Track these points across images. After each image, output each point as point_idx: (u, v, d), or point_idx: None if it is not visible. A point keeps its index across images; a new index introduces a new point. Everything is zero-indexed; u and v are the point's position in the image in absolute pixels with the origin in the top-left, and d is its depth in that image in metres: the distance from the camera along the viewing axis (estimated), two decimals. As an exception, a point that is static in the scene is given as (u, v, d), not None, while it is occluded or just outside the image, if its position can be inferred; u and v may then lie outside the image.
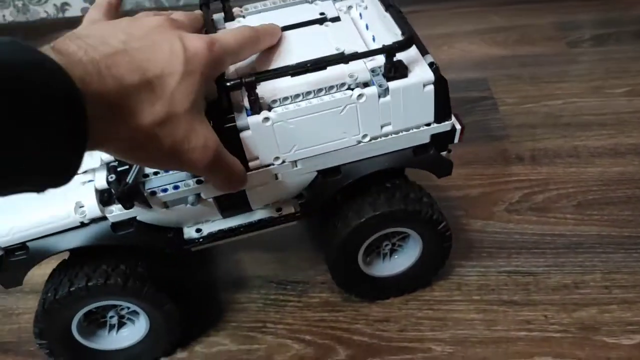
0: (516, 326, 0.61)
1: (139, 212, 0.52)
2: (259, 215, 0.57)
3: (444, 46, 1.34)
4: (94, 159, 0.51)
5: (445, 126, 0.53)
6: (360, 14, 0.56)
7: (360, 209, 0.58)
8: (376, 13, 0.55)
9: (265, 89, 0.48)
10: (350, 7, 0.57)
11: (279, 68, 0.47)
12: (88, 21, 0.45)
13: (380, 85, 0.48)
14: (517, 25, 1.38)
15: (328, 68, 0.47)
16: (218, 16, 0.57)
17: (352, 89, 0.48)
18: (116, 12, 0.47)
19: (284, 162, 0.51)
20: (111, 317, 0.60)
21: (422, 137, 0.53)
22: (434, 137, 0.54)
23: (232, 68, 0.49)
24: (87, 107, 0.30)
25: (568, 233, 0.73)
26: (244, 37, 0.45)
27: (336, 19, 0.55)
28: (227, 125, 0.47)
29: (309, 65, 0.45)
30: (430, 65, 0.50)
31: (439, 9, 1.53)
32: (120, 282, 0.54)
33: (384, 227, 0.59)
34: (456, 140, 0.56)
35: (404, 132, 0.52)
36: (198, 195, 0.52)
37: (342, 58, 0.47)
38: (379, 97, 0.49)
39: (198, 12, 0.52)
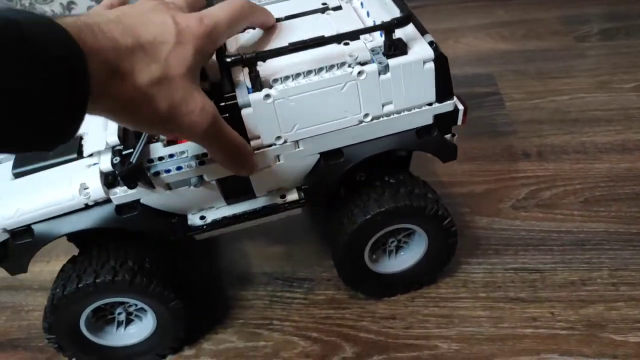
0: (523, 323, 0.61)
1: (142, 195, 0.53)
2: (263, 202, 0.57)
3: (449, 41, 1.33)
4: (99, 142, 0.52)
5: (447, 106, 0.53)
6: (362, 3, 0.56)
7: (365, 205, 0.58)
8: (377, 1, 0.55)
9: (267, 69, 0.48)
10: None
11: (281, 49, 0.47)
12: None
13: (380, 63, 0.49)
14: (523, 19, 1.37)
15: (329, 48, 0.48)
16: None
17: (353, 67, 0.49)
18: None
19: (285, 142, 0.51)
20: (119, 313, 0.61)
21: (425, 117, 0.53)
22: (437, 118, 0.54)
23: (234, 48, 0.50)
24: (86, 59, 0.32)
25: (575, 230, 0.72)
26: (235, 9, 0.45)
27: (338, 8, 0.56)
28: (229, 103, 0.47)
29: (308, 41, 0.46)
30: (430, 43, 0.50)
31: (444, 3, 1.52)
32: (127, 278, 0.55)
33: (389, 223, 0.59)
34: (459, 122, 0.55)
35: (406, 112, 0.52)
36: (201, 178, 0.52)
37: (342, 35, 0.47)
38: (379, 74, 0.49)
39: None
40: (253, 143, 0.51)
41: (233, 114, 0.47)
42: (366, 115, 0.52)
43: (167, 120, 0.39)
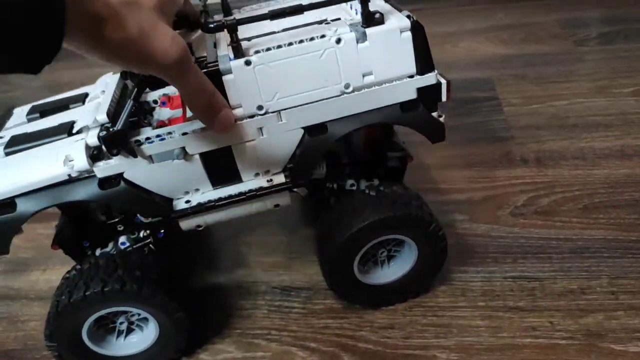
0: (522, 333, 0.61)
1: (125, 168, 0.53)
2: (249, 186, 0.57)
3: (448, 45, 1.33)
4: (89, 120, 0.53)
5: (429, 78, 0.54)
6: None
7: (349, 220, 0.58)
8: None
9: (250, 44, 0.51)
10: None
11: (260, 15, 0.50)
12: None
13: (357, 31, 0.51)
14: (523, 23, 1.37)
15: (309, 22, 0.51)
16: None
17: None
18: None
19: (267, 112, 0.52)
20: (121, 322, 0.61)
21: (408, 90, 0.54)
22: (420, 92, 0.54)
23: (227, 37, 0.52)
24: None
25: (574, 237, 0.72)
26: None
27: None
28: (210, 69, 0.49)
29: (287, 9, 0.49)
30: (408, 17, 0.52)
31: (443, 7, 1.52)
32: (135, 288, 0.55)
33: (375, 236, 0.59)
34: (444, 97, 0.56)
35: (388, 84, 0.53)
36: (184, 150, 0.53)
37: (319, 3, 0.50)
38: (357, 41, 0.51)
39: None
40: (235, 112, 0.51)
41: (215, 81, 0.48)
42: (347, 85, 0.52)
43: (139, 44, 0.40)
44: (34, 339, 0.68)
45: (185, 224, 0.59)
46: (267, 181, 0.57)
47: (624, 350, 0.57)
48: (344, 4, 0.58)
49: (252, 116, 0.52)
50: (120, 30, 0.39)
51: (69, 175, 0.52)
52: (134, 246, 0.62)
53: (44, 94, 0.70)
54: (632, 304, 0.62)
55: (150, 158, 0.53)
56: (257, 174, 0.57)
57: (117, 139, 0.50)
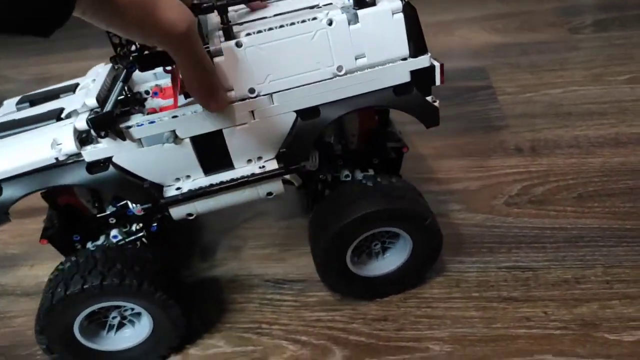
0: (516, 323, 0.60)
1: (114, 152, 0.52)
2: (241, 172, 0.56)
3: (442, 34, 1.31)
4: (78, 104, 0.52)
5: (422, 61, 0.53)
6: None
7: (343, 210, 0.57)
8: None
9: (241, 27, 0.50)
10: None
11: None
12: None
13: (349, 13, 0.50)
14: (517, 11, 1.35)
15: (300, 8, 0.50)
16: None
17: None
18: None
19: (259, 95, 0.51)
20: (114, 317, 0.59)
21: (401, 73, 0.53)
22: (414, 75, 0.53)
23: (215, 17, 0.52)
24: None
25: (569, 226, 0.71)
26: None
27: None
28: None
29: None
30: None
31: (437, -4, 1.50)
32: (135, 283, 0.54)
33: (369, 228, 0.58)
34: (437, 81, 0.55)
35: (380, 67, 0.52)
36: (173, 133, 0.52)
37: None
38: (349, 23, 0.50)
39: None
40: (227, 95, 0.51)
41: None
42: (339, 67, 0.52)
43: (147, 10, 0.39)
44: (21, 336, 0.67)
45: (176, 212, 0.57)
46: (260, 167, 0.56)
47: (618, 339, 0.57)
48: None
49: (243, 99, 0.51)
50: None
51: (57, 158, 0.51)
52: (127, 239, 0.61)
53: (34, 87, 0.68)
54: (627, 293, 0.61)
55: (139, 142, 0.52)
56: (249, 160, 0.56)
57: (105, 121, 0.49)
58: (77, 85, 0.62)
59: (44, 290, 0.56)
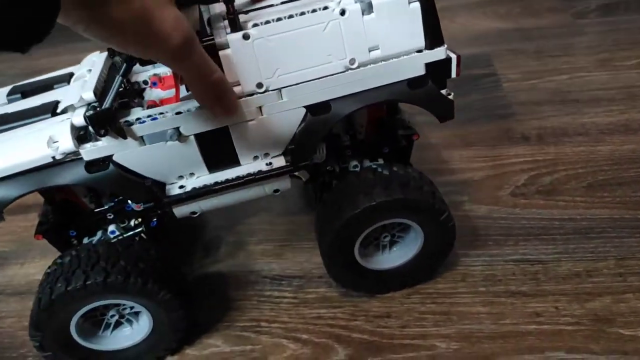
0: (525, 319, 0.57)
1: (115, 150, 0.49)
2: (247, 169, 0.54)
3: (444, 20, 1.26)
4: (74, 98, 0.49)
5: (438, 53, 0.50)
6: None
7: (355, 199, 0.54)
8: None
9: (249, 17, 0.47)
10: None
11: None
12: None
13: (362, 2, 0.47)
14: (520, -4, 1.32)
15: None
16: None
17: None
18: None
19: (267, 90, 0.49)
20: (112, 316, 0.57)
21: (416, 66, 0.50)
22: (429, 68, 0.51)
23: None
24: None
25: (578, 217, 0.69)
26: None
27: None
28: (206, 44, 0.45)
29: None
30: None
31: (437, -18, 1.47)
32: (140, 282, 0.51)
33: (381, 218, 0.55)
34: (453, 73, 0.52)
35: (395, 60, 0.50)
36: (177, 130, 0.49)
37: None
38: (363, 13, 0.47)
39: None
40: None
41: (211, 57, 0.44)
42: (352, 60, 0.49)
43: (140, 24, 0.37)
44: (11, 337, 0.65)
45: (179, 211, 0.55)
46: (267, 164, 0.54)
47: (633, 335, 0.54)
48: None
49: (250, 94, 0.49)
50: (122, 7, 0.35)
51: (53, 157, 0.49)
52: (125, 235, 0.59)
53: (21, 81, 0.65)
54: (641, 286, 0.59)
55: (141, 139, 0.49)
56: (255, 157, 0.54)
57: (105, 118, 0.46)
58: (71, 75, 0.59)
59: (40, 284, 0.53)
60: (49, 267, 0.54)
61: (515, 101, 0.93)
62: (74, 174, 0.50)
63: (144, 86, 0.58)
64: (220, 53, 0.46)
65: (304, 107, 0.50)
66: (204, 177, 0.54)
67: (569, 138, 0.83)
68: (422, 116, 0.61)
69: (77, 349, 0.56)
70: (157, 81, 0.58)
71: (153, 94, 0.56)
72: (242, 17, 0.47)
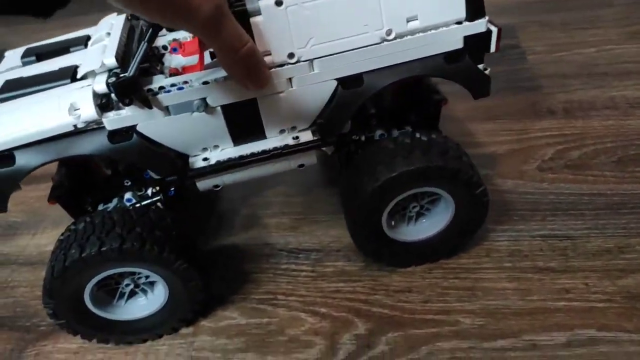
0: (554, 295, 0.55)
1: (139, 120, 0.47)
2: (273, 143, 0.52)
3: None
4: (95, 63, 0.47)
5: (478, 25, 0.47)
6: None
7: (392, 162, 0.51)
8: None
9: None
10: None
11: None
12: None
13: None
14: (545, -34, 1.26)
15: None
16: None
17: None
18: None
19: (299, 61, 0.46)
20: (127, 285, 0.55)
21: (454, 39, 0.48)
22: (467, 41, 0.48)
23: None
24: None
25: (609, 192, 0.66)
26: None
27: None
28: (237, 9, 0.42)
29: None
30: None
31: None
32: (156, 250, 0.49)
33: (415, 185, 0.53)
34: (493, 48, 0.49)
35: (433, 31, 0.47)
36: (204, 101, 0.47)
37: None
38: None
39: None
40: None
41: (241, 24, 0.42)
42: (389, 31, 0.46)
43: None
44: (23, 306, 0.64)
45: (203, 184, 0.53)
46: (294, 138, 0.52)
47: (668, 313, 0.52)
48: None
49: (281, 65, 0.46)
50: None
51: (75, 126, 0.47)
52: (142, 203, 0.57)
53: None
54: (677, 263, 0.56)
55: (166, 110, 0.47)
56: (282, 130, 0.52)
57: (130, 87, 0.44)
58: (88, 37, 0.57)
59: (53, 252, 0.51)
60: (62, 234, 0.52)
61: (541, 74, 0.90)
62: (96, 144, 0.48)
63: (163, 51, 0.55)
64: (252, 20, 0.43)
65: (336, 79, 0.48)
66: (228, 150, 0.52)
67: (597, 112, 0.79)
68: (443, 85, 0.57)
69: (90, 317, 0.54)
70: (178, 47, 0.55)
71: (174, 60, 0.54)
72: None
